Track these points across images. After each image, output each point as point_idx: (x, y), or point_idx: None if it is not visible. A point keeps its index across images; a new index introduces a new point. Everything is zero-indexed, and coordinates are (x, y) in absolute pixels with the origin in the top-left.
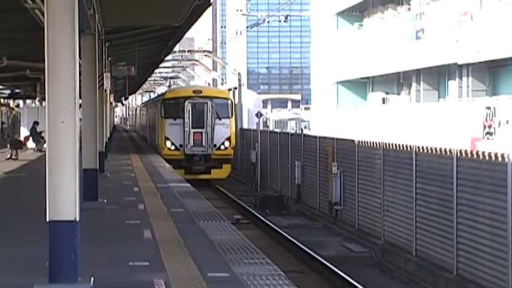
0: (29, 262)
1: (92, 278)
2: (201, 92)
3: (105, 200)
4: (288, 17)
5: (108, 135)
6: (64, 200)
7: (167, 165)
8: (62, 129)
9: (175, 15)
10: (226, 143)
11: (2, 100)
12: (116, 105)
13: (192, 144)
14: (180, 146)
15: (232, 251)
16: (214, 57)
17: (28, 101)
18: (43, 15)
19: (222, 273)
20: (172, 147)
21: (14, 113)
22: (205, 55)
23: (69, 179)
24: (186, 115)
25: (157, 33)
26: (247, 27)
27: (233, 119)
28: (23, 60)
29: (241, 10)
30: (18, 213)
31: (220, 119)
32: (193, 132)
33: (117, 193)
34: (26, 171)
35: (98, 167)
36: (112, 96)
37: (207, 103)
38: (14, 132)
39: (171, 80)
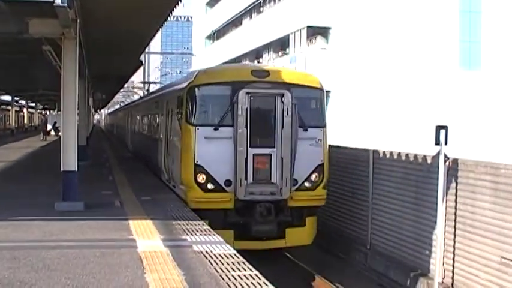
0: (52, 192)
1: (83, 201)
2: (268, 74)
3: (90, 162)
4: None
5: (90, 130)
6: (70, 159)
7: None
8: (69, 125)
9: (127, 70)
10: (315, 176)
11: (39, 111)
12: (94, 113)
13: (251, 179)
14: (227, 183)
15: (154, 188)
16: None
17: (52, 111)
18: (54, 59)
19: (148, 197)
20: (210, 186)
21: (45, 117)
22: (140, 88)
23: (72, 149)
24: (241, 120)
25: (117, 79)
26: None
27: (326, 129)
28: (48, 90)
29: (157, 67)
30: (45, 167)
31: (306, 128)
32: (254, 156)
33: (97, 159)
34: (50, 146)
35: (86, 145)
36: (93, 109)
37: (281, 96)
38: (44, 127)
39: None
